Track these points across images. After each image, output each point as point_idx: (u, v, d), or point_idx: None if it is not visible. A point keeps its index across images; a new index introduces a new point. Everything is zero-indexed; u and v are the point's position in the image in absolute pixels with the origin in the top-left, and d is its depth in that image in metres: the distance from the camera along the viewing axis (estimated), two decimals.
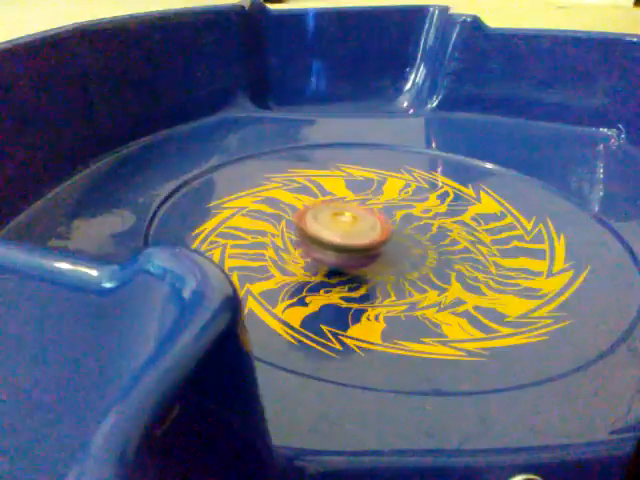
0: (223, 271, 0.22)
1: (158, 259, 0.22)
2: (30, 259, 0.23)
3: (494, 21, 0.81)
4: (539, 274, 0.50)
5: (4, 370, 0.25)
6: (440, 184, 0.64)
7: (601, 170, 0.70)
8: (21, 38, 0.58)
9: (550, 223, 0.56)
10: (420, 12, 0.84)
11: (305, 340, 0.42)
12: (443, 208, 0.59)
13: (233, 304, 0.21)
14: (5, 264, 0.24)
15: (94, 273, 0.23)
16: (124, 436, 0.17)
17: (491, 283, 0.48)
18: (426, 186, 0.64)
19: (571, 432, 0.34)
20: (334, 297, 0.46)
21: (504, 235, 0.55)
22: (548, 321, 0.44)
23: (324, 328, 0.43)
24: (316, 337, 0.42)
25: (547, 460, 0.29)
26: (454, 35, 0.81)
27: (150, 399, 0.17)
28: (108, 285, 0.22)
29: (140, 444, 0.17)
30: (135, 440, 0.17)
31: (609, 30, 0.84)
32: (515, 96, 0.79)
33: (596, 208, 0.60)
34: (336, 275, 0.48)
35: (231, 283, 0.21)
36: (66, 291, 0.23)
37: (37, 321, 0.24)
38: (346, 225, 0.45)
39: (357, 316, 0.44)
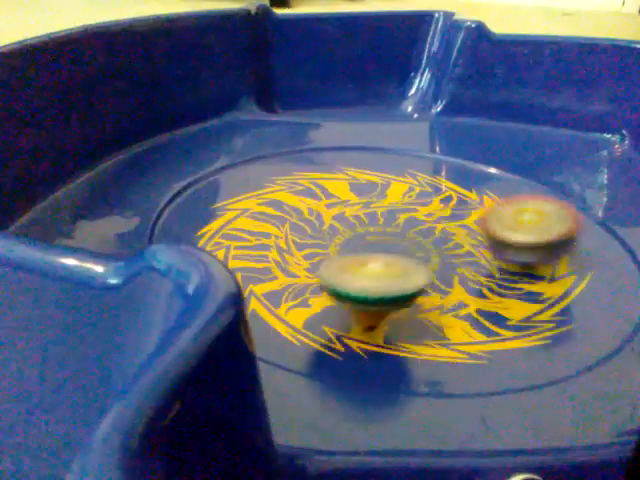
0: (227, 268, 0.22)
1: (163, 256, 0.22)
2: (35, 254, 0.23)
3: (499, 27, 0.81)
4: (542, 278, 0.50)
5: (7, 366, 0.25)
6: (444, 188, 0.64)
7: (604, 176, 0.70)
8: (29, 39, 0.58)
9: None
10: (425, 18, 0.84)
11: (307, 341, 0.42)
12: (446, 212, 0.60)
13: (237, 301, 0.21)
14: (10, 258, 0.24)
15: (99, 269, 0.23)
16: (126, 430, 0.17)
17: (494, 287, 0.48)
18: (430, 190, 0.64)
19: (573, 435, 0.34)
20: None
21: None
22: (550, 325, 0.44)
23: (327, 330, 0.43)
24: (318, 338, 0.42)
25: (549, 462, 0.30)
26: (459, 41, 0.81)
27: (152, 394, 0.18)
28: (113, 281, 0.23)
29: (142, 437, 0.17)
30: (137, 434, 0.17)
31: (614, 37, 0.84)
32: (519, 102, 0.79)
33: (599, 213, 0.60)
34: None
35: (235, 280, 0.21)
36: (70, 286, 0.23)
37: (41, 316, 0.24)
38: (532, 222, 0.46)
39: None
